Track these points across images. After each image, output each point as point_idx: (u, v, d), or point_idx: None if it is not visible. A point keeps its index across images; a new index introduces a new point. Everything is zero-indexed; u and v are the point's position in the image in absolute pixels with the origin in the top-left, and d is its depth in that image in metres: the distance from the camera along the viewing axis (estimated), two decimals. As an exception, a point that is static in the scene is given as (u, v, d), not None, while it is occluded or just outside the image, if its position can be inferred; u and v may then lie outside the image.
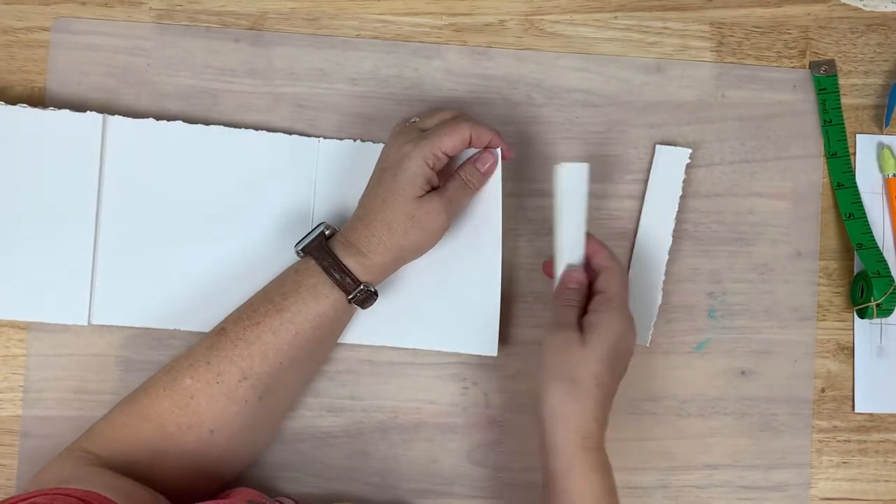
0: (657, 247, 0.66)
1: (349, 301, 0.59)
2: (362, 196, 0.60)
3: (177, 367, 0.57)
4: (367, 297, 0.59)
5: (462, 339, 0.65)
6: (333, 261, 0.58)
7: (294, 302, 0.57)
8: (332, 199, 0.65)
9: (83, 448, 0.56)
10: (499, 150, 0.62)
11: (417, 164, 0.58)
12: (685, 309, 0.67)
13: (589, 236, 0.60)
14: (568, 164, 0.59)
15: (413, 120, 0.62)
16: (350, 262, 0.58)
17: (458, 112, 0.62)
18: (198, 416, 0.56)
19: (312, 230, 0.60)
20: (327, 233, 0.60)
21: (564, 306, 0.59)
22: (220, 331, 0.58)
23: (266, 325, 0.57)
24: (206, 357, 0.57)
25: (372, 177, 0.61)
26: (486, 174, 0.62)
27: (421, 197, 0.58)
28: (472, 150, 0.62)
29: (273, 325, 0.57)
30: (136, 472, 0.55)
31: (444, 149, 0.59)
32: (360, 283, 0.58)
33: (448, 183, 0.61)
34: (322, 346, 0.61)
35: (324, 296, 0.58)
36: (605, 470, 0.55)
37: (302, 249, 0.59)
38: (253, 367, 0.57)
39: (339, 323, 0.61)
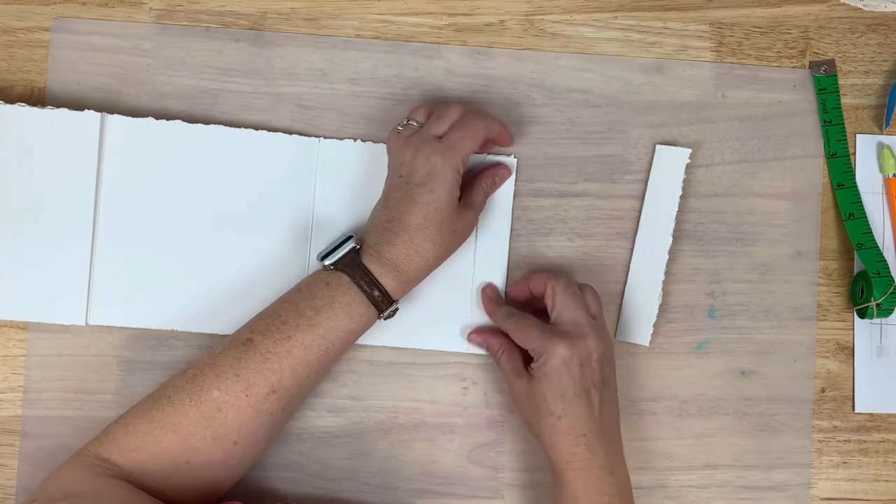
0: (657, 247, 0.66)
1: (380, 317, 0.59)
2: (387, 208, 0.59)
3: (201, 376, 0.56)
4: (394, 312, 0.60)
5: (463, 339, 0.65)
6: (371, 280, 0.57)
7: (327, 318, 0.57)
8: (332, 198, 0.65)
9: (98, 455, 0.55)
10: (514, 160, 0.66)
11: (452, 178, 0.58)
12: (685, 309, 0.67)
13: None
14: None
15: (411, 122, 0.62)
16: (388, 281, 0.58)
17: (463, 107, 0.61)
18: (224, 428, 0.55)
19: (341, 243, 0.59)
20: (358, 247, 0.59)
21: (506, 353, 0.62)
22: (248, 342, 0.56)
23: (298, 339, 0.56)
24: (234, 369, 0.55)
25: (395, 189, 0.59)
26: (500, 185, 0.66)
27: (458, 211, 0.59)
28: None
29: (305, 341, 0.56)
30: (152, 483, 0.54)
31: (468, 154, 0.60)
32: (394, 300, 0.59)
33: (473, 194, 0.63)
34: (343, 355, 0.61)
35: (358, 314, 0.57)
36: (596, 488, 0.56)
37: (333, 264, 0.58)
38: (282, 381, 0.56)
39: (362, 335, 0.60)
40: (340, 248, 0.58)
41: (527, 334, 0.59)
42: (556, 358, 0.57)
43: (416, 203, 0.58)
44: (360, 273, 0.57)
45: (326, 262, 0.58)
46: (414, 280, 0.59)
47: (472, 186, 0.63)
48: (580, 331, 0.58)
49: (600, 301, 0.62)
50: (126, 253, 0.64)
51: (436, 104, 0.63)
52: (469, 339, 0.64)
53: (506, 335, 0.62)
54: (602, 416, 0.57)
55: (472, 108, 0.62)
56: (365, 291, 0.57)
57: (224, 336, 0.64)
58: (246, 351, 0.56)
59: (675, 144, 0.67)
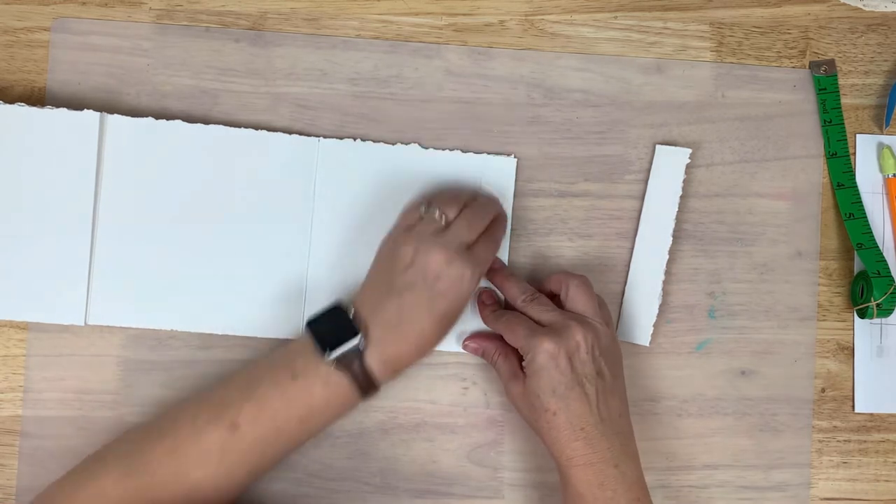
0: (657, 247, 0.66)
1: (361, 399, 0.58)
2: (400, 307, 0.56)
3: (181, 451, 0.55)
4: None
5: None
6: (370, 383, 0.56)
7: (321, 415, 0.57)
8: (332, 199, 0.65)
9: None
10: (514, 160, 0.66)
11: (471, 291, 0.58)
12: (685, 309, 0.67)
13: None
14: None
15: (430, 211, 0.59)
16: (384, 377, 0.57)
17: (493, 210, 0.61)
18: (195, 500, 0.55)
19: (345, 337, 0.56)
20: (361, 347, 0.56)
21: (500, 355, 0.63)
22: (233, 426, 0.55)
23: (286, 431, 0.56)
24: (218, 453, 0.55)
25: (414, 290, 0.56)
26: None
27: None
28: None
29: (293, 434, 0.56)
30: None
31: (486, 269, 0.61)
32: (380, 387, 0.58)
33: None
34: None
35: (349, 409, 0.58)
36: (600, 484, 0.56)
37: (337, 361, 0.56)
38: (263, 464, 0.57)
39: None
40: (345, 344, 0.56)
41: (515, 332, 0.59)
42: (542, 353, 0.56)
43: (435, 311, 0.57)
44: (363, 376, 0.56)
45: (329, 358, 0.55)
46: (401, 373, 0.59)
47: None
48: (568, 323, 0.58)
49: (604, 303, 0.63)
50: (126, 253, 0.64)
51: (464, 198, 0.61)
52: (464, 346, 0.64)
53: (501, 339, 0.62)
54: (601, 409, 0.57)
55: (501, 211, 0.62)
56: (361, 390, 0.56)
57: (224, 336, 0.64)
58: (231, 436, 0.55)
59: (675, 144, 0.67)
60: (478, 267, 0.58)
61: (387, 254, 0.59)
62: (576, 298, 0.60)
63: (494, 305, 0.64)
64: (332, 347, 0.56)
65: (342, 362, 0.56)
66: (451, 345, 0.65)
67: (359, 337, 0.56)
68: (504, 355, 0.62)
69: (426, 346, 0.58)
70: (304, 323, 0.58)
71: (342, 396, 0.56)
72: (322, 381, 0.56)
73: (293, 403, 0.56)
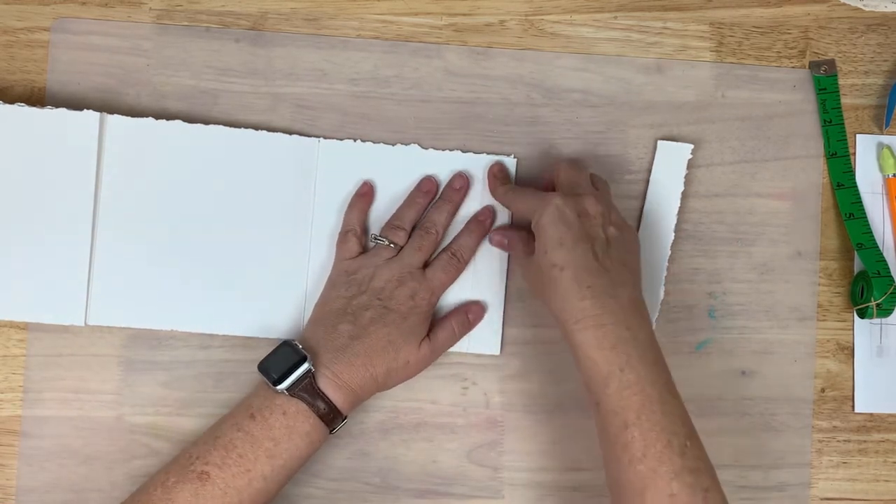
0: (659, 242, 0.66)
1: (331, 434, 0.58)
2: (352, 325, 0.58)
3: None
4: (343, 425, 0.59)
5: (465, 338, 0.65)
6: (329, 407, 0.56)
7: (287, 449, 0.56)
8: (332, 199, 0.65)
9: None
10: (514, 160, 0.66)
11: (428, 313, 0.60)
12: (685, 309, 0.67)
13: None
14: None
15: (391, 244, 0.62)
16: (343, 404, 0.57)
17: (438, 234, 0.63)
18: None
19: (294, 365, 0.56)
20: (313, 371, 0.56)
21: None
22: (203, 475, 0.54)
23: (258, 472, 0.55)
24: None
25: (366, 309, 0.59)
26: (474, 325, 0.64)
27: (419, 346, 0.60)
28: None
29: (265, 472, 0.55)
30: None
31: (443, 292, 0.63)
32: (346, 417, 0.58)
33: (438, 331, 0.62)
34: None
35: (317, 440, 0.57)
36: (612, 346, 0.53)
37: (288, 390, 0.56)
38: None
39: None
40: (293, 371, 0.56)
41: (524, 199, 0.60)
42: (550, 207, 0.56)
43: (387, 327, 0.58)
44: (319, 400, 0.56)
45: (280, 388, 0.56)
46: (363, 400, 0.59)
47: (441, 321, 0.63)
48: (577, 190, 0.58)
49: (607, 185, 0.64)
50: (126, 253, 0.64)
51: (410, 221, 0.63)
52: (490, 239, 0.64)
53: (523, 230, 0.62)
54: (612, 272, 0.55)
55: (453, 248, 0.63)
56: (322, 416, 0.56)
57: (224, 336, 0.64)
58: (203, 486, 0.54)
59: (675, 144, 0.67)
60: (429, 284, 0.61)
61: (337, 283, 0.61)
62: (565, 178, 0.60)
63: (505, 178, 0.65)
64: (283, 378, 0.56)
65: (295, 389, 0.56)
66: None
67: (307, 362, 0.56)
68: (523, 240, 0.61)
69: (378, 366, 0.58)
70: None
71: (305, 425, 0.56)
72: (280, 411, 0.56)
73: (256, 441, 0.55)
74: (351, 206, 0.64)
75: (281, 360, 0.57)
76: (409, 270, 0.61)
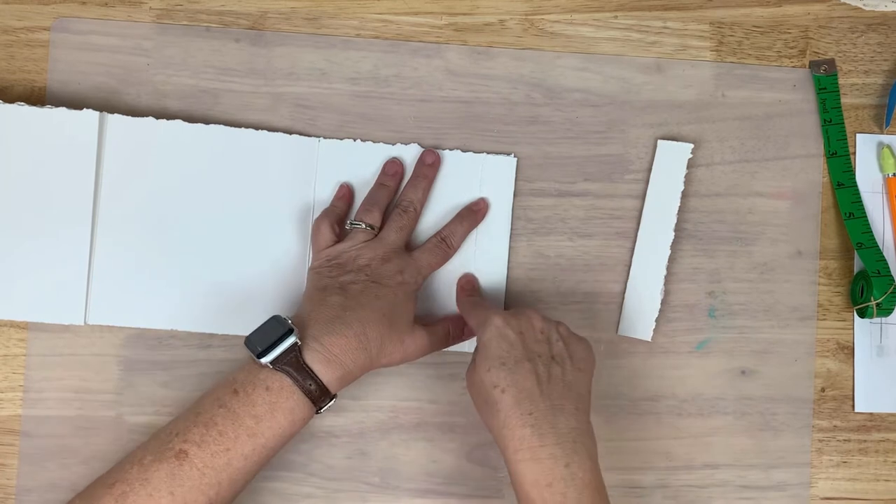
0: (659, 242, 0.66)
1: (318, 413, 0.56)
2: (342, 296, 0.57)
3: (132, 494, 0.51)
4: (332, 404, 0.56)
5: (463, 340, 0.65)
6: (316, 383, 0.54)
7: (269, 427, 0.53)
8: (332, 198, 0.65)
9: None
10: (514, 159, 0.66)
11: (414, 292, 0.60)
12: (685, 308, 0.67)
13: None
14: None
15: (368, 227, 0.61)
16: (331, 379, 0.54)
17: (413, 219, 0.63)
18: None
19: (280, 338, 0.54)
20: (300, 343, 0.54)
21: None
22: (181, 454, 0.52)
23: (237, 451, 0.52)
24: (168, 486, 0.51)
25: (355, 283, 0.58)
26: (469, 335, 0.64)
27: (412, 326, 0.59)
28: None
29: (245, 451, 0.53)
30: None
31: (428, 275, 0.63)
32: (335, 395, 0.55)
33: (438, 328, 0.62)
34: None
35: (301, 418, 0.54)
36: (548, 484, 0.51)
37: (273, 364, 0.53)
38: (220, 492, 0.53)
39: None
40: (279, 344, 0.54)
41: (474, 312, 0.60)
42: (492, 326, 0.56)
43: (379, 300, 0.57)
44: (304, 374, 0.53)
45: (265, 361, 0.53)
46: (354, 377, 0.56)
47: (439, 321, 0.63)
48: (526, 310, 0.58)
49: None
50: (125, 253, 0.64)
51: (381, 203, 0.63)
52: (458, 280, 0.65)
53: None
54: (553, 394, 0.53)
55: (443, 234, 0.63)
56: (308, 393, 0.53)
57: (224, 336, 0.64)
58: (181, 466, 0.52)
59: (675, 144, 0.67)
60: (416, 263, 0.61)
61: (320, 271, 0.60)
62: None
63: (473, 290, 0.65)
64: (268, 351, 0.53)
65: (280, 363, 0.53)
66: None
67: (293, 335, 0.54)
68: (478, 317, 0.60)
69: (372, 338, 0.56)
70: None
71: (289, 401, 0.53)
72: (263, 386, 0.53)
73: (238, 418, 0.53)
74: (325, 210, 0.64)
75: (267, 332, 0.54)
76: (393, 249, 0.61)
